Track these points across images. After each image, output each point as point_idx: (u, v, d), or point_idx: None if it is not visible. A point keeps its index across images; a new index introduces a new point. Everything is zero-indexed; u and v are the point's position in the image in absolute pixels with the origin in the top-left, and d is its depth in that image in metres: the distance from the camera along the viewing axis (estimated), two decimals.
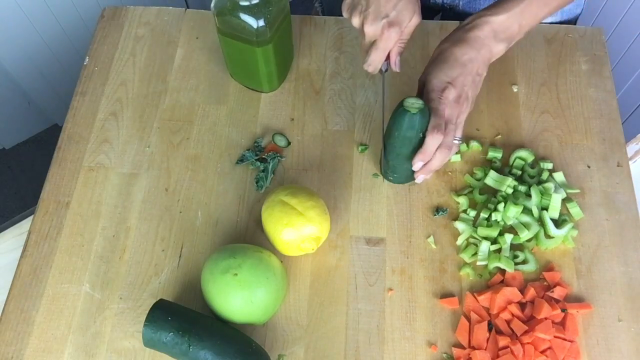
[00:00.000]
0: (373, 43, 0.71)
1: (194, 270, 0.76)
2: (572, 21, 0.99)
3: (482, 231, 0.76)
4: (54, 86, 1.69)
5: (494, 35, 0.71)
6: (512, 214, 0.75)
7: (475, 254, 0.76)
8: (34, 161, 1.84)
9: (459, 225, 0.78)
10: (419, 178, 0.74)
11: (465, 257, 0.76)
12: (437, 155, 0.71)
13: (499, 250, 0.76)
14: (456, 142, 0.73)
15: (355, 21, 0.72)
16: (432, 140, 0.70)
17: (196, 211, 0.81)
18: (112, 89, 0.91)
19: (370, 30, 0.70)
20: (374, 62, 0.72)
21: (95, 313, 0.74)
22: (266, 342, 0.72)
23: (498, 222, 0.77)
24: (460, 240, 0.77)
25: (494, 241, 0.76)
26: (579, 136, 0.85)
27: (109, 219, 0.80)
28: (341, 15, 0.97)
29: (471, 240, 0.77)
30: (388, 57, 0.73)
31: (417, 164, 0.72)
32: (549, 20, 0.96)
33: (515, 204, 0.76)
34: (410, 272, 0.76)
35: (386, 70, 0.76)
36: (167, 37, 0.96)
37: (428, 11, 1.04)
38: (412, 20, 0.71)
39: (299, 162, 0.84)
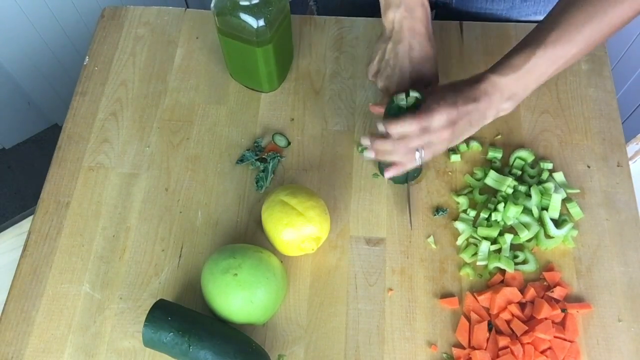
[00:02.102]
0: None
1: (194, 270, 0.76)
2: None
3: (482, 231, 0.76)
4: (54, 86, 1.69)
5: (499, 94, 0.68)
6: (512, 214, 0.75)
7: (475, 254, 0.76)
8: (34, 161, 1.84)
9: (459, 225, 0.78)
10: (368, 153, 0.71)
11: (465, 257, 0.76)
12: (396, 149, 0.69)
13: (499, 250, 0.76)
14: (417, 160, 0.69)
15: (380, 84, 0.78)
16: (391, 126, 0.68)
17: (196, 211, 0.81)
18: (112, 89, 0.91)
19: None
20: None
21: (95, 313, 0.74)
22: (266, 342, 0.72)
23: (498, 222, 0.77)
24: (460, 240, 0.77)
25: (494, 241, 0.76)
26: (579, 136, 0.85)
27: (109, 219, 0.80)
28: (335, 14, 0.97)
29: (471, 240, 0.77)
30: None
31: (365, 138, 0.70)
32: (539, 17, 0.96)
33: (515, 204, 0.76)
34: (410, 272, 0.76)
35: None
36: (167, 37, 0.96)
37: None
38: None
39: (299, 162, 0.84)
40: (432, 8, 1.04)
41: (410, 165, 0.71)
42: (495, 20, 0.97)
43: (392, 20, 0.76)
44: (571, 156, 0.84)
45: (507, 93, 0.68)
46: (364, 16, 0.97)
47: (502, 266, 0.74)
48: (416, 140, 0.68)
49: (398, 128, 0.67)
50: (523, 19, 0.96)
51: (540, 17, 0.96)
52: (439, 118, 0.67)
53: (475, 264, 0.76)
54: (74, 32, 1.57)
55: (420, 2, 0.75)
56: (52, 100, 1.74)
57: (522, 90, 0.69)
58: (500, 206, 0.77)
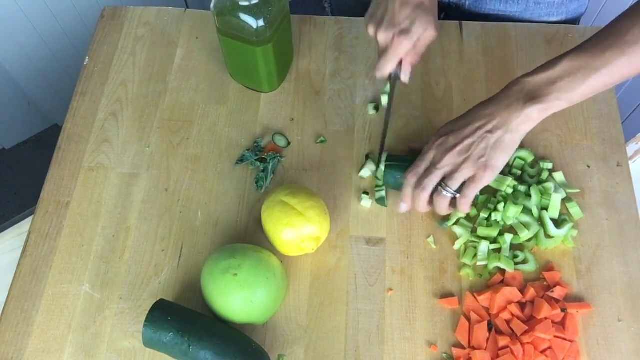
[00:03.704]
0: (384, 50, 0.73)
1: (194, 270, 0.76)
2: (576, 20, 0.99)
3: (482, 231, 0.76)
4: (54, 86, 1.69)
5: (524, 96, 0.66)
6: (512, 214, 0.75)
7: (475, 256, 0.75)
8: (34, 161, 1.84)
9: (457, 229, 0.77)
10: (402, 207, 0.74)
11: (466, 260, 0.76)
12: (416, 196, 0.71)
13: (498, 250, 0.76)
14: (446, 194, 0.69)
15: (371, 30, 0.74)
16: (406, 180, 0.72)
17: (196, 211, 0.81)
18: (112, 89, 0.91)
19: (382, 37, 0.73)
20: (381, 67, 0.74)
21: (95, 313, 0.74)
22: (266, 342, 0.72)
23: (498, 222, 0.77)
24: (457, 245, 0.77)
25: (493, 241, 0.76)
26: (579, 136, 0.85)
27: (109, 219, 0.80)
28: (348, 15, 0.97)
29: (469, 244, 0.77)
30: (400, 66, 0.75)
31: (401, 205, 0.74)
32: (552, 19, 0.96)
33: (515, 204, 0.76)
34: (410, 272, 0.76)
35: (396, 79, 0.76)
36: (167, 37, 0.96)
37: None
38: (426, 32, 0.72)
39: (299, 162, 0.84)
40: (443, 9, 1.03)
41: (443, 206, 0.71)
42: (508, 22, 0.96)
43: None
44: (571, 156, 0.84)
45: (528, 90, 0.66)
46: None
47: (502, 266, 0.74)
48: (431, 180, 0.70)
49: (412, 179, 0.71)
50: (536, 20, 0.96)
51: (554, 19, 0.96)
52: (430, 151, 0.70)
53: (475, 264, 0.76)
54: (74, 32, 1.57)
55: None
56: (52, 100, 1.74)
57: (554, 94, 0.65)
58: (500, 206, 0.76)
